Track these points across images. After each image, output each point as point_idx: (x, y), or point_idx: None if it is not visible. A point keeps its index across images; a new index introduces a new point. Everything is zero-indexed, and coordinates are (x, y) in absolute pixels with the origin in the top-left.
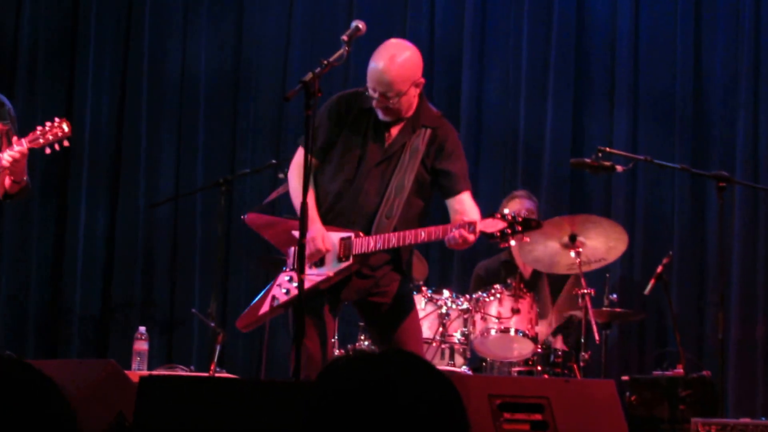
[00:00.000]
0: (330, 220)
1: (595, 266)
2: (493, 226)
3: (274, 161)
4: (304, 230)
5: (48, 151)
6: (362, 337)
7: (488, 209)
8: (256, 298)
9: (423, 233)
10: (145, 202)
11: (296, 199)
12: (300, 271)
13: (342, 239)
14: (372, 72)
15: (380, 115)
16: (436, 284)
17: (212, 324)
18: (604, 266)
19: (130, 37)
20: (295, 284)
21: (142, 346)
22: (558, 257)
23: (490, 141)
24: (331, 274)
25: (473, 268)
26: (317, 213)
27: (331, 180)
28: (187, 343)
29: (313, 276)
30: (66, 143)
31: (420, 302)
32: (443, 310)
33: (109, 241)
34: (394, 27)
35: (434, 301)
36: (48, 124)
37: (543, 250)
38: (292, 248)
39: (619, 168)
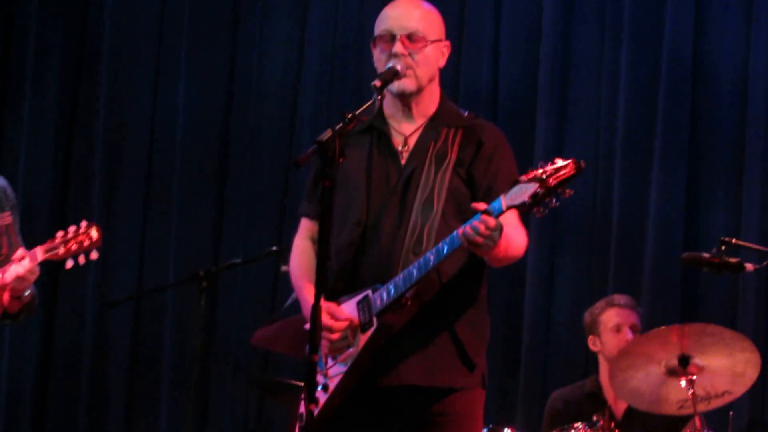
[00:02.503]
0: (345, 288)
1: (716, 403)
2: (521, 193)
3: (275, 248)
4: (315, 343)
5: (70, 264)
6: None
7: (567, 319)
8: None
9: (444, 245)
10: (95, 303)
11: (297, 289)
12: (309, 399)
13: (358, 303)
14: (392, 10)
15: (396, 87)
16: (494, 420)
17: None
18: (729, 403)
19: (82, 76)
20: (320, 388)
21: None
22: (664, 390)
23: (572, 227)
24: (356, 351)
25: (546, 398)
26: (321, 292)
27: (339, 234)
28: None
29: (337, 368)
30: (94, 255)
31: None
32: None
33: (44, 356)
34: (445, 68)
35: None
36: (71, 229)
37: (643, 378)
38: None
39: (749, 266)
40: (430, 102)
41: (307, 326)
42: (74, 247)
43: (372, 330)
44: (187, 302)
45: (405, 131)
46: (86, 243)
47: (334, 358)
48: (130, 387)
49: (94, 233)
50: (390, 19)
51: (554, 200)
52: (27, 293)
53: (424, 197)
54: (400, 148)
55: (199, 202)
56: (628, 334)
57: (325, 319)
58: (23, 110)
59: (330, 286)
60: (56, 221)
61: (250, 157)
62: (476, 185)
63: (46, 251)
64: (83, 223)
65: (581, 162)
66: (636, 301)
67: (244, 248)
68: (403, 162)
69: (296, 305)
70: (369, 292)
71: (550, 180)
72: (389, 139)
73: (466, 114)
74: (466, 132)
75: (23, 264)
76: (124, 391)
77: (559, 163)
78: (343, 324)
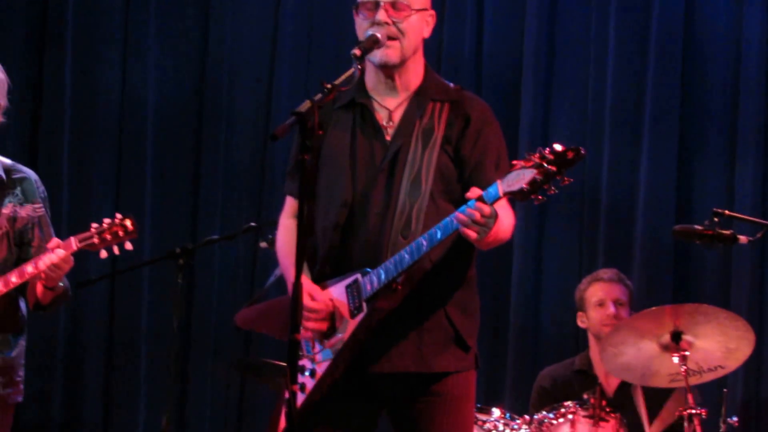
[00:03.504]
0: (332, 271)
1: (708, 377)
2: (519, 180)
3: (253, 224)
4: (296, 318)
5: (104, 254)
6: None
7: (556, 297)
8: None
9: (437, 231)
10: (68, 282)
11: (284, 269)
12: (292, 380)
13: (347, 287)
14: None
15: (379, 57)
16: (482, 400)
17: None
18: (721, 377)
19: (45, 49)
20: (308, 373)
21: None
22: (656, 364)
23: (560, 201)
24: (345, 337)
25: (535, 377)
26: (303, 271)
27: (324, 215)
28: None
29: (326, 353)
30: (128, 246)
31: None
32: None
33: None
34: (426, 39)
35: (480, 423)
36: (106, 221)
37: (634, 354)
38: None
39: (742, 239)
40: (414, 74)
41: None
42: (109, 237)
43: (362, 315)
44: (163, 281)
45: (389, 105)
46: (121, 233)
47: (321, 343)
48: (108, 367)
49: (129, 224)
50: None
51: (552, 187)
52: (60, 284)
53: (411, 176)
54: (384, 123)
55: (175, 179)
56: (610, 308)
57: (306, 300)
58: None
59: (317, 269)
60: None
61: (226, 130)
62: (464, 163)
63: (81, 241)
64: (118, 215)
65: (581, 148)
66: (624, 274)
67: (221, 224)
68: (388, 138)
69: (278, 284)
70: (358, 276)
71: (549, 166)
72: (372, 114)
73: (452, 86)
74: (452, 107)
75: (57, 253)
76: (102, 371)
77: (558, 148)
78: (323, 305)
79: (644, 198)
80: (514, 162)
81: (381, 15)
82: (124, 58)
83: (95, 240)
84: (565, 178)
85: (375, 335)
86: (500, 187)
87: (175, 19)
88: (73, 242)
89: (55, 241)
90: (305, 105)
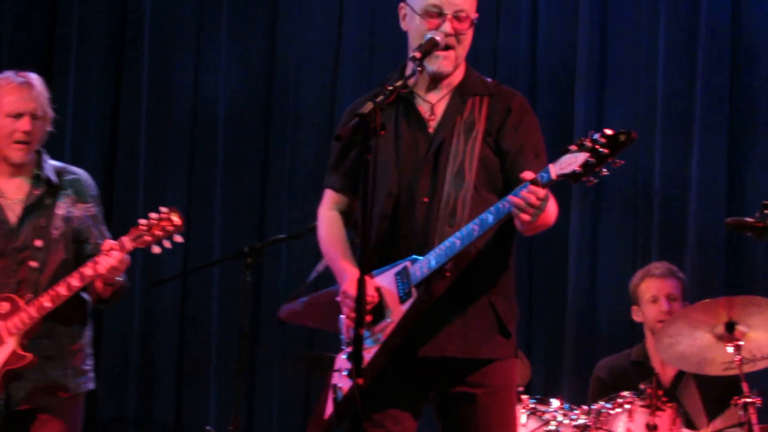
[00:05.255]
0: (379, 260)
1: (762, 365)
2: (572, 162)
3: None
4: (361, 317)
5: (158, 249)
6: None
7: (611, 289)
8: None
9: (488, 215)
10: (143, 281)
11: (329, 259)
12: (357, 373)
13: (396, 274)
14: None
15: (435, 67)
16: (541, 391)
17: None
18: None
19: (124, 58)
20: None
21: None
22: (710, 353)
23: (614, 194)
24: (394, 323)
25: (592, 367)
26: (349, 261)
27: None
28: None
29: (374, 339)
30: (178, 238)
31: (520, 417)
32: (552, 427)
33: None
34: (484, 37)
35: (539, 414)
36: (153, 215)
37: (689, 343)
38: (343, 317)
39: None
40: (457, 72)
41: (338, 298)
42: (159, 233)
43: (412, 301)
44: (233, 279)
45: (431, 99)
46: (170, 228)
47: (368, 329)
48: (179, 364)
49: (176, 218)
50: None
51: (604, 169)
52: (118, 279)
53: (455, 168)
54: (426, 116)
55: (243, 180)
56: (664, 305)
57: (352, 292)
58: (68, 97)
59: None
60: (104, 202)
61: (292, 131)
62: (505, 152)
63: (133, 239)
64: (163, 209)
65: (632, 132)
66: (676, 266)
67: (288, 224)
68: (431, 131)
69: (321, 278)
70: (407, 263)
71: (601, 149)
72: (415, 107)
73: (489, 81)
74: (492, 100)
75: (113, 255)
76: (174, 368)
77: (610, 132)
78: (369, 297)
79: (696, 191)
80: (570, 146)
81: (447, 27)
82: (197, 64)
83: (147, 237)
84: (617, 160)
85: (423, 321)
86: (553, 169)
87: (246, 25)
88: (126, 242)
89: (109, 243)
90: (367, 107)
